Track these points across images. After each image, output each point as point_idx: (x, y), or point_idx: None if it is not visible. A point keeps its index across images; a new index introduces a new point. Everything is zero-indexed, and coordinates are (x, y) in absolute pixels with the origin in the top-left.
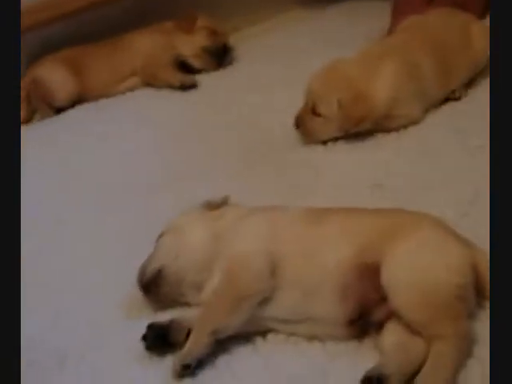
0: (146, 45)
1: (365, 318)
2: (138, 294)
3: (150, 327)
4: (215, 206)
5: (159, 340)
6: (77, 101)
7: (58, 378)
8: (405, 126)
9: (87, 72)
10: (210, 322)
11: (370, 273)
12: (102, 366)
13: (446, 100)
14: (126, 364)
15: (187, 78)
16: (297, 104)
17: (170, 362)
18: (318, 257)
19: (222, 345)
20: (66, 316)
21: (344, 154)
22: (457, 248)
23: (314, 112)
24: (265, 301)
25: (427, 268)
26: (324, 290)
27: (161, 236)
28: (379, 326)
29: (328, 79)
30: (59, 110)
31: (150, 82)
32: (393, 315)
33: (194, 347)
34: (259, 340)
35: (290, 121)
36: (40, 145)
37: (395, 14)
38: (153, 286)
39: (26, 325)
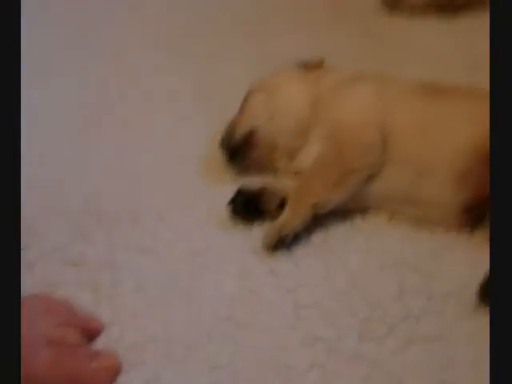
0: None
1: (482, 208)
2: (219, 156)
3: (240, 191)
4: (312, 66)
5: (249, 205)
6: None
7: (129, 235)
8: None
9: None
10: (312, 194)
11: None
12: (181, 227)
13: None
14: (209, 228)
15: None
16: None
17: (258, 231)
18: (437, 134)
19: (317, 220)
20: (138, 172)
21: (434, 28)
22: None
23: None
24: (371, 176)
25: None
26: (441, 171)
27: (249, 94)
28: None
29: None
30: None
31: None
32: None
33: (292, 219)
34: (358, 218)
35: None
36: None
37: None
38: (242, 150)
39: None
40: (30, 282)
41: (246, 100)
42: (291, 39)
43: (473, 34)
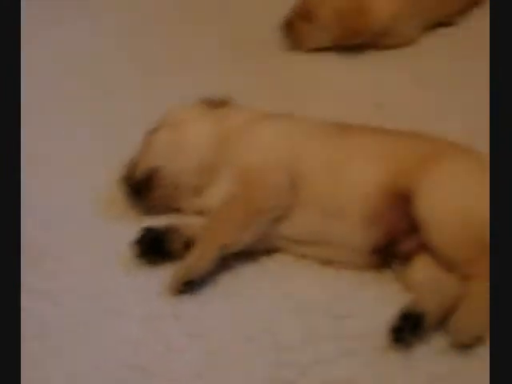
0: None
1: (391, 248)
2: (120, 195)
3: (144, 230)
4: (218, 104)
5: (154, 245)
6: None
7: (32, 276)
8: (398, 46)
9: None
10: (219, 236)
11: (400, 200)
12: (81, 269)
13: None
14: (111, 268)
15: None
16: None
17: (162, 272)
18: (345, 175)
19: (224, 261)
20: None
21: (336, 68)
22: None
23: (307, 17)
24: (280, 217)
25: (467, 199)
26: (348, 212)
27: (153, 131)
28: (405, 258)
29: None
30: None
31: None
32: (422, 248)
33: (198, 261)
34: (265, 259)
35: (276, 20)
36: None
37: None
38: (144, 188)
39: None
40: None
41: (147, 137)
42: (191, 77)
43: (374, 71)
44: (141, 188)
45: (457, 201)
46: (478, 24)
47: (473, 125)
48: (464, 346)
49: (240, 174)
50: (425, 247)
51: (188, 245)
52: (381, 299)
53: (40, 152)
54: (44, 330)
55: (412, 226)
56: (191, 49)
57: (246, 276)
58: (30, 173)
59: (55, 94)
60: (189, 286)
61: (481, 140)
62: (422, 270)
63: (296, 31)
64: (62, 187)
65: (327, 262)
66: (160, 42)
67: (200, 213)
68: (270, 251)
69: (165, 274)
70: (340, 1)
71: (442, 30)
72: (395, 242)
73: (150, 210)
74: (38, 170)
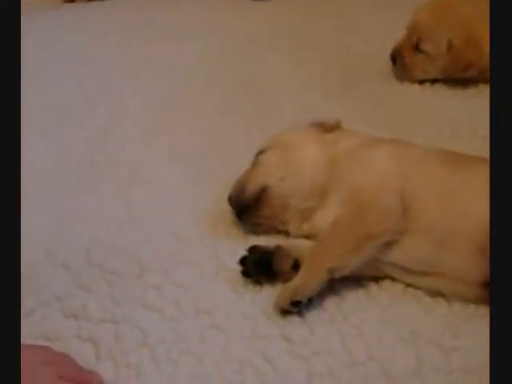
0: None
1: None
2: (228, 213)
3: (252, 249)
4: (329, 128)
5: (261, 265)
6: None
7: (133, 290)
8: None
9: None
10: (328, 258)
11: None
12: (187, 284)
13: None
14: (217, 286)
15: None
16: (386, 32)
17: (269, 292)
18: (458, 205)
19: (331, 285)
20: (143, 225)
21: (444, 99)
22: None
23: (418, 47)
24: (390, 244)
25: None
26: (460, 243)
27: (262, 151)
28: None
29: (441, 14)
30: None
31: None
32: None
33: (306, 282)
34: (373, 286)
35: (379, 48)
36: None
37: None
38: (252, 208)
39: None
40: (27, 332)
41: (258, 156)
42: (301, 101)
43: (482, 104)
44: (249, 206)
45: None
46: None
47: None
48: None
49: (351, 197)
50: None
51: (296, 266)
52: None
53: (145, 171)
54: (148, 341)
55: None
56: (303, 74)
57: (352, 302)
58: (136, 189)
59: (160, 116)
60: (295, 306)
61: None
62: None
63: (405, 61)
64: (166, 204)
65: (437, 293)
66: (273, 67)
67: (307, 237)
68: (378, 278)
69: (271, 293)
70: (453, 31)
71: None
72: None
73: (258, 229)
74: (143, 187)
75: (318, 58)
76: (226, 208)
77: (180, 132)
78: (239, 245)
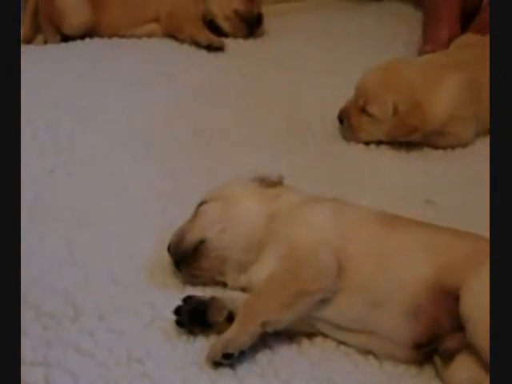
0: None
1: (433, 345)
2: (167, 262)
3: (188, 300)
4: (270, 183)
5: (195, 316)
6: (87, 33)
7: (67, 333)
8: (452, 146)
9: (107, 5)
10: (262, 312)
11: (447, 297)
12: (122, 330)
13: None
14: (151, 334)
15: (215, 39)
16: (335, 92)
17: (202, 343)
18: (392, 266)
19: (263, 339)
20: (83, 268)
21: (389, 160)
22: None
23: (364, 110)
24: (324, 301)
25: None
26: (393, 305)
27: (204, 202)
28: (448, 356)
29: (387, 79)
30: (65, 39)
31: (173, 34)
32: (465, 347)
33: (238, 335)
34: (306, 342)
35: (328, 108)
36: (42, 69)
37: (428, 24)
38: (191, 259)
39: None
40: None
41: (200, 207)
42: (247, 156)
43: (427, 168)
44: (187, 257)
45: None
46: None
47: None
48: None
49: (287, 253)
50: (468, 347)
51: (230, 318)
52: None
53: (89, 214)
54: None
55: (456, 324)
56: (251, 128)
57: (284, 357)
58: (78, 232)
59: (106, 161)
60: (227, 359)
61: None
62: (463, 369)
63: (351, 122)
64: (107, 248)
65: (369, 352)
66: (222, 120)
67: (244, 289)
68: (310, 334)
69: (205, 344)
70: (399, 95)
71: None
72: (438, 338)
73: (196, 280)
74: (86, 230)
75: (268, 112)
76: (166, 256)
77: (126, 178)
78: (176, 294)
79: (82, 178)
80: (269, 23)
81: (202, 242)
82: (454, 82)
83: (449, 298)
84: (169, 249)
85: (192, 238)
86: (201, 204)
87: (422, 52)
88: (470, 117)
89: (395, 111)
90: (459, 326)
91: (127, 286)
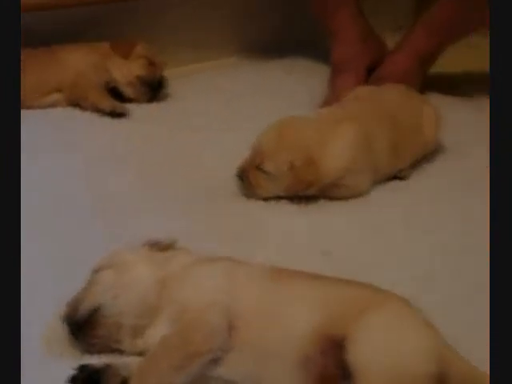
0: (78, 61)
1: None
2: (60, 330)
3: (81, 368)
4: (162, 247)
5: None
6: None
7: None
8: (348, 197)
9: None
10: (153, 376)
11: (334, 346)
12: None
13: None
14: None
15: (118, 105)
16: (237, 150)
17: None
18: (279, 320)
19: None
20: None
21: (288, 215)
22: (428, 332)
23: (260, 168)
24: (216, 359)
25: (400, 353)
26: (283, 358)
27: (96, 270)
28: None
29: (283, 136)
30: None
31: (77, 102)
32: None
33: None
34: None
35: (231, 167)
36: None
37: (335, 77)
38: (86, 327)
39: None
40: None
41: (91, 276)
42: (139, 220)
43: (323, 220)
44: (82, 326)
45: (389, 354)
46: (429, 180)
47: (421, 275)
48: None
49: (178, 316)
50: None
51: None
52: None
53: None
54: None
55: (345, 373)
56: (152, 191)
57: None
58: None
59: None
60: None
61: (429, 289)
62: None
63: (249, 180)
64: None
65: None
66: (122, 185)
67: (140, 354)
68: None
69: None
70: (290, 154)
71: (394, 184)
72: None
73: (91, 348)
74: None
75: (169, 174)
76: (61, 326)
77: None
78: (72, 363)
79: None
80: (172, 85)
81: (96, 309)
82: (348, 135)
83: (337, 347)
84: (64, 318)
85: (86, 306)
86: (94, 272)
87: (324, 105)
88: (365, 168)
89: (291, 168)
90: (348, 374)
91: (24, 357)
